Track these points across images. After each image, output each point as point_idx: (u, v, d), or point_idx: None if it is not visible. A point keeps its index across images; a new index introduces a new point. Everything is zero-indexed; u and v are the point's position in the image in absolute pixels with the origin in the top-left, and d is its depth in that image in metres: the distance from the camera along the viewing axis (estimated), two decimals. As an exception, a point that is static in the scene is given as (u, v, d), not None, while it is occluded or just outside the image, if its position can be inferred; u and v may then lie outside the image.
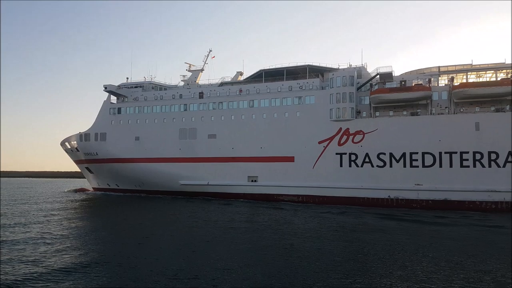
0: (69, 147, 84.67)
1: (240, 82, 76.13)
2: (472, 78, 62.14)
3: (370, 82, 64.84)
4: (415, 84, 61.83)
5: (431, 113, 60.40)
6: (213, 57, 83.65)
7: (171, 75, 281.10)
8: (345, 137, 62.68)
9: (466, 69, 61.96)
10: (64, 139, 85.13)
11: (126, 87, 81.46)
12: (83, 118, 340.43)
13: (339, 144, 62.91)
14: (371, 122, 61.87)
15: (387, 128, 60.72)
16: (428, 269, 21.86)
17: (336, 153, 62.93)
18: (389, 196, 59.61)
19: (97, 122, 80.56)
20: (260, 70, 72.64)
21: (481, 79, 62.22)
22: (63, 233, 32.41)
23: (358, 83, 65.37)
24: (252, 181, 67.87)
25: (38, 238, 29.79)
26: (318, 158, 63.76)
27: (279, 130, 66.46)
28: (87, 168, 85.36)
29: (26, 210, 49.93)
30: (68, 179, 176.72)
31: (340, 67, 69.02)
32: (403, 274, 20.65)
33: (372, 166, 60.87)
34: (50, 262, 22.49)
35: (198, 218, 44.18)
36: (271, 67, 71.82)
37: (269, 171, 66.45)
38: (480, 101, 58.88)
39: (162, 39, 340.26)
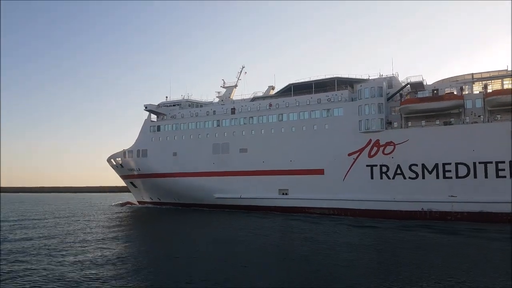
0: (114, 163, 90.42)
1: (271, 97, 77.90)
2: (508, 84, 59.47)
3: (401, 92, 64.03)
4: (446, 93, 60.29)
5: (464, 122, 58.53)
6: (245, 73, 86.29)
7: (208, 92, 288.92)
8: (375, 148, 62.19)
9: (502, 75, 59.51)
10: (110, 156, 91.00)
11: (165, 106, 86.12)
12: (127, 136, 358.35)
13: (370, 156, 62.49)
14: (401, 132, 60.98)
15: (418, 138, 59.54)
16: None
17: (367, 165, 62.51)
18: (422, 208, 58.20)
19: (139, 140, 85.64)
20: (289, 84, 74.02)
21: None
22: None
23: (388, 93, 64.81)
24: (283, 194, 68.98)
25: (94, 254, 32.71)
26: (348, 171, 63.66)
27: (308, 143, 67.18)
28: (131, 183, 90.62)
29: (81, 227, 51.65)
30: (114, 193, 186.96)
31: (370, 78, 68.75)
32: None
33: (404, 178, 59.83)
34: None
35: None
36: (300, 81, 72.97)
37: (299, 184, 67.19)
38: (517, 108, 56.23)
39: (199, 57, 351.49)
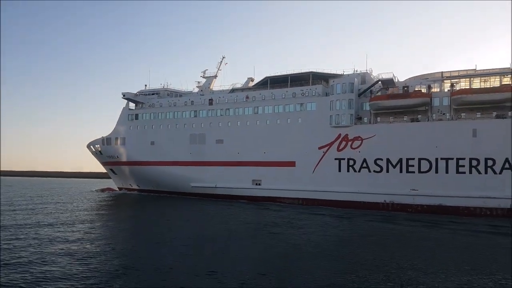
0: (94, 150, 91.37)
1: (248, 89, 79.17)
2: (477, 83, 61.50)
3: (371, 88, 65.80)
4: (414, 91, 62.23)
5: (430, 119, 60.62)
6: (226, 63, 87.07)
7: (188, 81, 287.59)
8: (344, 143, 64.21)
9: (470, 75, 61.48)
10: (90, 142, 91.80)
11: (143, 94, 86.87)
12: (106, 121, 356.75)
13: (338, 149, 64.53)
14: (369, 128, 62.98)
15: (385, 134, 61.61)
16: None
17: (335, 158, 64.60)
18: (385, 200, 60.66)
19: (117, 127, 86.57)
20: (266, 77, 75.30)
21: (487, 84, 61.38)
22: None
23: (360, 89, 66.55)
24: (256, 184, 70.93)
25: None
26: (318, 163, 65.71)
27: (282, 136, 68.95)
28: (111, 169, 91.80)
29: (63, 209, 54.99)
30: (92, 179, 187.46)
31: (344, 73, 70.29)
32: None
33: (369, 171, 62.10)
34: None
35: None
36: (276, 74, 74.28)
37: (272, 175, 69.15)
38: (481, 107, 58.43)
39: (179, 46, 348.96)
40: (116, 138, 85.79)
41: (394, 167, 60.42)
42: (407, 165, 59.64)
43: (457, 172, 56.75)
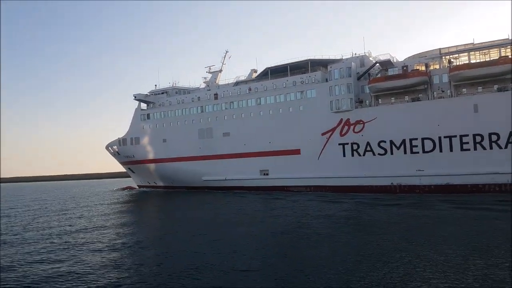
0: (112, 151, 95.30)
1: (252, 81, 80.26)
2: (477, 57, 60.14)
3: (370, 70, 65.45)
4: (411, 70, 61.52)
5: (430, 98, 59.92)
6: (230, 57, 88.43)
7: (196, 77, 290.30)
8: (346, 127, 64.50)
9: (468, 49, 60.09)
10: (108, 144, 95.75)
11: (153, 94, 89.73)
12: (123, 123, 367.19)
13: (341, 134, 64.88)
14: (370, 111, 62.94)
15: (386, 116, 61.46)
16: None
17: (339, 144, 65.02)
18: (392, 183, 60.80)
19: (131, 128, 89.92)
20: (266, 68, 76.20)
21: (486, 58, 59.96)
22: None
23: (358, 73, 66.35)
24: (264, 174, 72.41)
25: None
26: (322, 150, 66.36)
27: (285, 125, 69.88)
28: (129, 168, 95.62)
29: (97, 211, 52.54)
30: (113, 179, 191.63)
31: (343, 58, 70.14)
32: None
33: (374, 154, 62.24)
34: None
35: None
36: (276, 64, 74.95)
37: (279, 164, 70.38)
38: (481, 81, 57.23)
39: (184, 43, 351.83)
40: (131, 138, 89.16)
41: (398, 148, 60.31)
42: (411, 146, 59.40)
43: (462, 149, 56.14)
